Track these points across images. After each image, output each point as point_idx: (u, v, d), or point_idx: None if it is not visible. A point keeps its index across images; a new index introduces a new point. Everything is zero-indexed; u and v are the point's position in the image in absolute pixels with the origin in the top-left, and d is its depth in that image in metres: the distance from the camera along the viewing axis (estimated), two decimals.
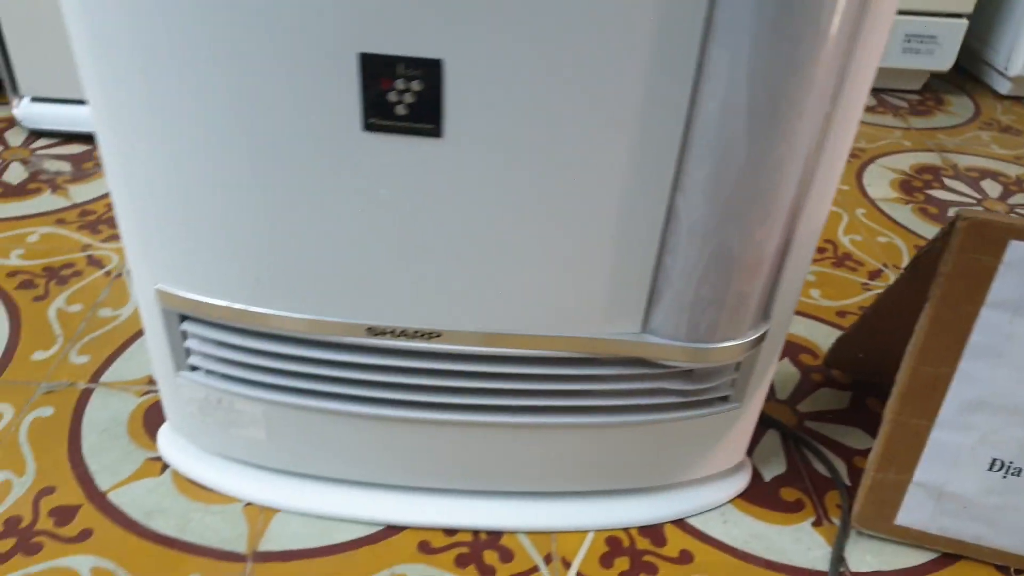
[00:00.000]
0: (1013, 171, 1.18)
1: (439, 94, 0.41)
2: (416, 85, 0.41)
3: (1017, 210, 1.07)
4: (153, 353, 0.55)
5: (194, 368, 0.54)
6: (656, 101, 0.41)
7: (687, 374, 0.55)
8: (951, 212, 1.07)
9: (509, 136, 0.42)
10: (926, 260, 0.55)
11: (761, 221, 0.46)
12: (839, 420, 0.71)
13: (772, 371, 0.58)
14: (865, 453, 0.68)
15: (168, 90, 0.42)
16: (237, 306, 0.49)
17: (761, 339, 0.53)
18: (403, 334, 0.50)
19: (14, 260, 0.79)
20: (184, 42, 0.40)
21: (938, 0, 1.26)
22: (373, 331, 0.50)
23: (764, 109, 0.40)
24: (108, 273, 0.79)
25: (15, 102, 1.00)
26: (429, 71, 0.40)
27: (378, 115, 0.42)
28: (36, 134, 1.03)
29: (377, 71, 0.40)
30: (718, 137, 0.42)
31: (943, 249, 0.52)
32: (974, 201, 1.10)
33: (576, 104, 0.41)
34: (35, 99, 1.00)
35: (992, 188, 1.13)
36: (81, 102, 1.00)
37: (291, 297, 0.48)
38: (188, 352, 0.53)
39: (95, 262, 0.80)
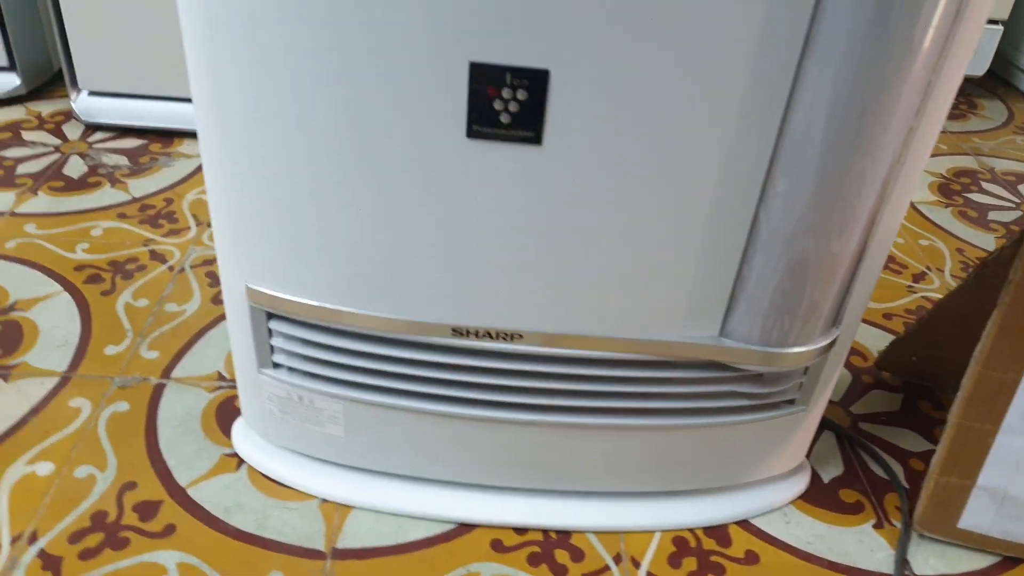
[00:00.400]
0: None
1: (543, 103, 0.42)
2: (521, 94, 0.41)
3: None
4: (236, 350, 0.56)
5: (277, 365, 0.55)
6: (751, 115, 0.42)
7: (757, 378, 0.56)
8: (991, 216, 1.07)
9: (606, 145, 0.43)
10: (993, 268, 0.56)
11: (839, 232, 0.46)
12: (892, 422, 0.72)
13: (837, 375, 0.59)
14: (920, 455, 0.69)
15: (275, 93, 0.43)
16: (327, 306, 0.50)
17: (831, 345, 0.54)
18: (486, 335, 0.51)
19: (80, 254, 0.80)
20: (295, 47, 0.41)
21: None
22: (457, 331, 0.51)
23: (851, 123, 0.41)
24: (171, 268, 0.80)
25: (73, 96, 1.02)
26: (535, 81, 0.41)
27: (482, 123, 0.42)
28: (92, 127, 1.04)
29: (485, 80, 0.41)
30: (804, 149, 0.43)
31: (1012, 257, 0.53)
32: (1013, 205, 1.10)
33: (674, 115, 0.42)
34: (92, 93, 1.02)
35: None
36: (137, 96, 1.02)
37: (380, 297, 0.50)
38: (273, 350, 0.54)
39: (157, 257, 0.81)
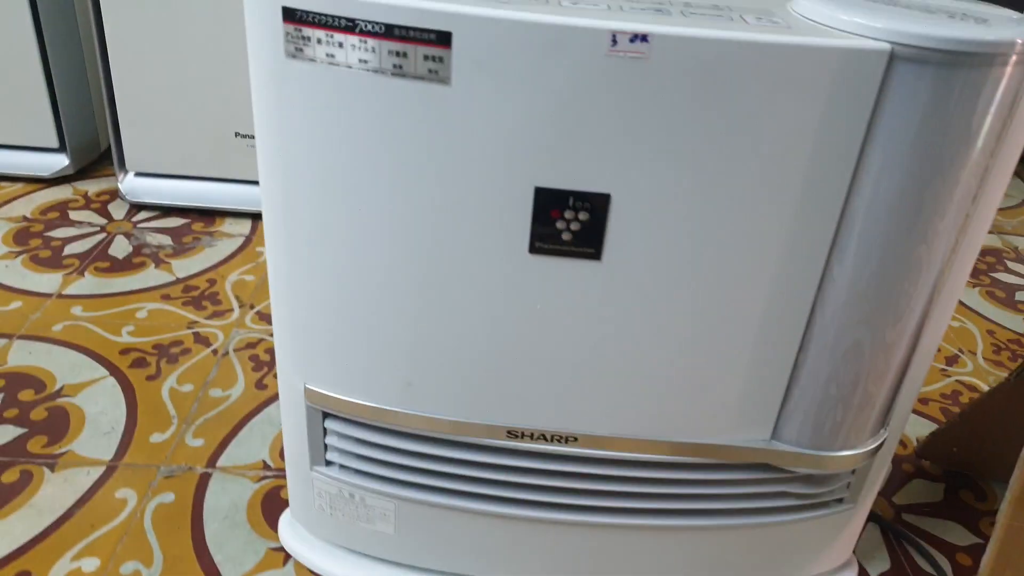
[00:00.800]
0: None
1: (604, 223, 0.43)
2: (583, 215, 0.43)
3: None
4: (289, 446, 0.57)
5: (329, 463, 0.56)
6: (808, 219, 0.43)
7: (808, 478, 0.56)
8: (1017, 296, 1.08)
9: (664, 258, 0.44)
10: None
11: (895, 321, 0.47)
12: (936, 514, 0.71)
13: (885, 472, 0.59)
14: (967, 550, 0.68)
15: (345, 205, 0.44)
16: (384, 407, 0.51)
17: (881, 445, 0.54)
18: (541, 437, 0.51)
19: (126, 337, 0.82)
20: (368, 162, 0.43)
21: None
22: (512, 434, 0.51)
23: (910, 211, 0.42)
24: (215, 352, 0.81)
25: (121, 177, 1.05)
26: (597, 203, 0.43)
27: (544, 240, 0.44)
28: (137, 207, 1.07)
29: (549, 203, 0.43)
30: (862, 241, 0.43)
31: None
32: None
33: (732, 226, 0.43)
34: (138, 174, 1.05)
35: None
36: (181, 177, 1.05)
37: (437, 400, 0.50)
38: (327, 448, 0.55)
39: (201, 340, 0.83)
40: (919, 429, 0.79)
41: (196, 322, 0.85)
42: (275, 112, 0.44)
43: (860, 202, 0.42)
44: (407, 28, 0.38)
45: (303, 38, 0.40)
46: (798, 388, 0.50)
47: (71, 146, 1.11)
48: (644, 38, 0.38)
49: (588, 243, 0.44)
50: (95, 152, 1.18)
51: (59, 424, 0.71)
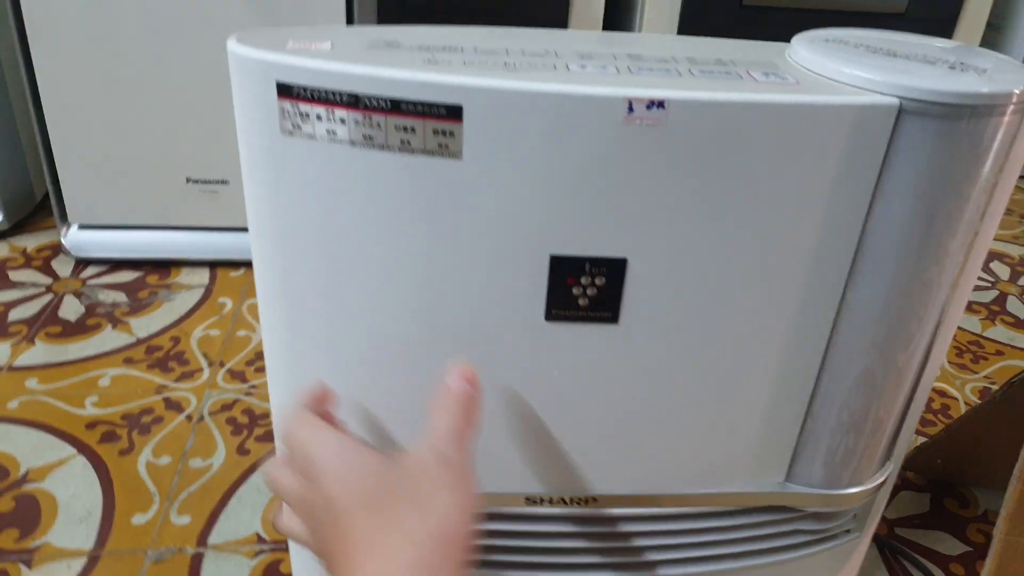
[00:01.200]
0: (1016, 252, 1.25)
1: (620, 288, 0.42)
2: (599, 280, 0.42)
3: None
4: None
5: None
6: (824, 262, 0.43)
7: (819, 514, 0.56)
8: (972, 296, 1.12)
9: (682, 318, 0.44)
10: (1019, 387, 0.58)
11: (905, 345, 0.47)
12: (925, 525, 0.73)
13: (887, 498, 0.60)
14: (959, 559, 0.70)
15: (353, 279, 0.42)
16: None
17: (887, 479, 0.55)
18: (560, 501, 0.50)
19: (90, 409, 0.77)
20: (374, 237, 0.41)
21: None
22: (531, 500, 0.50)
23: (921, 232, 0.42)
24: (189, 418, 0.77)
25: (63, 231, 0.99)
26: (613, 269, 0.42)
27: (560, 307, 0.43)
28: (84, 262, 1.01)
29: (565, 271, 0.42)
30: (873, 263, 0.43)
31: None
32: (989, 284, 1.15)
33: (747, 284, 0.43)
34: (83, 226, 0.99)
35: (1001, 270, 1.19)
36: (129, 227, 1.00)
37: None
38: None
39: (173, 405, 0.78)
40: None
41: (165, 386, 0.81)
42: (270, 190, 0.41)
43: (873, 243, 0.42)
44: (415, 103, 0.36)
45: (301, 115, 0.38)
46: (811, 426, 0.50)
47: (2, 199, 1.04)
48: (661, 104, 0.37)
49: (605, 307, 0.43)
50: (30, 204, 1.11)
51: (29, 514, 0.66)
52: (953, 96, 0.38)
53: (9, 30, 0.89)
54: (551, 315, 0.43)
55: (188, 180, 0.97)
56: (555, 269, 0.42)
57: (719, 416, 0.48)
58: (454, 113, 0.37)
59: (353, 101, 0.37)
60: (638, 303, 0.43)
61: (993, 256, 1.23)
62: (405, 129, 0.37)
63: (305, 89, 0.37)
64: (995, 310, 1.08)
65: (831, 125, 0.39)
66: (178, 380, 0.82)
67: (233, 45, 0.38)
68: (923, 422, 0.86)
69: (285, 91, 0.37)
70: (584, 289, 0.43)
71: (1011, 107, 0.39)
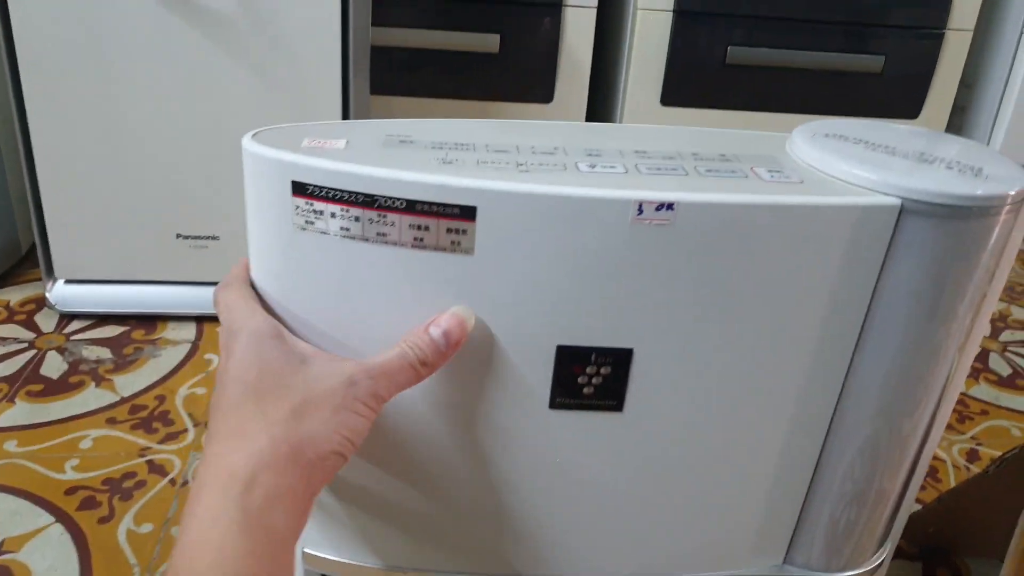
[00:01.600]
0: (996, 307, 1.26)
1: (626, 376, 0.42)
2: (605, 370, 0.42)
3: (1011, 348, 1.13)
4: None
5: None
6: (824, 359, 0.43)
7: None
8: None
9: (687, 404, 0.44)
10: (1014, 464, 0.59)
11: (912, 412, 0.47)
12: None
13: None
14: None
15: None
16: (386, 569, 0.48)
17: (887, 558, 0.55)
18: None
19: (70, 473, 0.75)
20: (382, 326, 0.40)
21: None
22: None
23: (930, 293, 0.42)
24: (173, 482, 0.75)
25: (49, 285, 0.97)
26: (619, 358, 0.42)
27: (565, 395, 0.43)
28: (68, 316, 0.99)
29: (571, 360, 0.41)
30: (880, 332, 0.43)
31: None
32: None
33: (751, 373, 0.43)
34: (69, 281, 0.98)
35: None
36: (115, 282, 0.98)
37: (450, 558, 0.48)
38: None
39: (156, 468, 0.77)
40: None
41: (148, 448, 0.79)
42: (282, 281, 0.41)
43: (874, 333, 0.43)
44: (430, 204, 0.37)
45: (315, 211, 0.38)
46: (812, 505, 0.50)
47: None
48: (670, 206, 0.37)
49: (610, 396, 0.43)
50: (15, 256, 1.09)
51: None
52: (952, 198, 0.39)
53: (4, 82, 0.89)
54: (555, 403, 0.43)
55: (178, 236, 0.96)
56: (561, 359, 0.42)
57: (721, 500, 0.48)
58: (468, 213, 0.37)
59: (369, 201, 0.37)
60: (643, 392, 0.43)
61: None
62: (419, 227, 0.37)
63: (320, 188, 0.37)
64: (978, 367, 1.08)
65: (835, 224, 0.39)
66: (162, 441, 0.80)
67: (249, 143, 0.38)
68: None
69: (300, 189, 0.37)
70: (590, 378, 0.42)
71: (1007, 207, 0.41)
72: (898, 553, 0.78)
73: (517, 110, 1.34)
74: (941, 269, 0.41)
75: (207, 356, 0.94)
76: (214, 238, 0.96)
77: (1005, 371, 1.08)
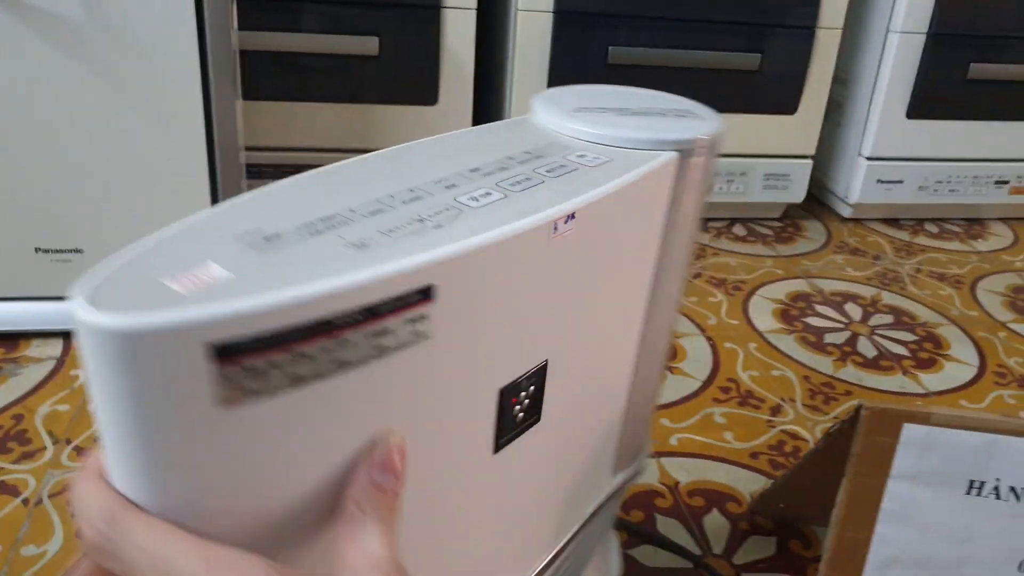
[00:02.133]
0: (867, 292, 1.34)
1: (543, 389, 0.43)
2: (532, 389, 0.42)
3: (878, 331, 1.20)
4: None
5: None
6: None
7: None
8: (826, 339, 1.17)
9: (574, 387, 0.47)
10: (839, 438, 0.63)
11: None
12: (770, 568, 0.76)
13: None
14: None
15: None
16: None
17: None
18: None
19: None
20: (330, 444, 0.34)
21: (788, 145, 1.54)
22: None
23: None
24: (25, 502, 0.68)
25: None
26: (539, 373, 0.42)
27: (505, 433, 0.42)
28: None
29: (510, 396, 0.41)
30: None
31: (851, 432, 0.60)
32: (843, 325, 1.21)
33: (613, 324, 0.50)
34: None
35: (854, 311, 1.26)
36: None
37: None
38: None
39: (8, 489, 0.69)
40: (752, 484, 0.84)
41: (1, 469, 0.72)
42: (200, 471, 0.28)
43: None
44: (391, 300, 0.30)
45: (251, 371, 0.27)
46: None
47: None
48: (572, 216, 0.38)
49: (534, 411, 0.43)
50: None
51: None
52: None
53: None
54: (498, 447, 0.41)
55: (37, 250, 0.88)
56: (502, 400, 0.40)
57: (597, 437, 0.52)
58: (426, 294, 0.32)
59: (324, 327, 0.28)
60: (552, 393, 0.44)
61: (847, 298, 1.30)
62: (380, 333, 0.31)
63: (258, 340, 0.27)
64: (847, 351, 1.13)
65: (658, 185, 0.45)
66: (16, 461, 0.72)
67: (95, 317, 0.24)
68: (774, 465, 0.89)
69: (226, 352, 0.26)
70: (522, 403, 0.42)
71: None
72: (756, 530, 0.81)
73: (401, 112, 1.32)
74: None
75: (72, 372, 0.86)
76: (78, 251, 0.89)
77: (871, 353, 1.14)
